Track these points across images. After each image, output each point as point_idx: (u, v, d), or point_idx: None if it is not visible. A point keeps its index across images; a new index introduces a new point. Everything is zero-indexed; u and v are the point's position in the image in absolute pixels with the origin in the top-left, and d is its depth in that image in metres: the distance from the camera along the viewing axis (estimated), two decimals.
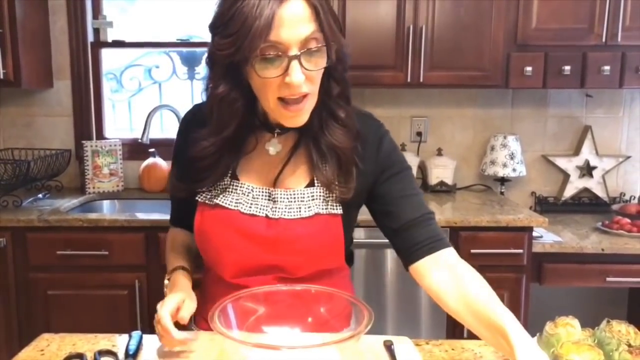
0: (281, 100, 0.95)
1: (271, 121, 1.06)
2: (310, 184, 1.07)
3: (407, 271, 1.07)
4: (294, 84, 0.91)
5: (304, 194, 1.06)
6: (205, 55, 1.00)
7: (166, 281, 1.14)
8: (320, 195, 1.06)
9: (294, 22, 0.89)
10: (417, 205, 1.07)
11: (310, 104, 0.98)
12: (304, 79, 0.92)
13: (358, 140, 1.06)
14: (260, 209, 1.06)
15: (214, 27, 0.95)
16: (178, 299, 1.04)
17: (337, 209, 1.06)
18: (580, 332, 0.96)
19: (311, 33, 0.91)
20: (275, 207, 1.06)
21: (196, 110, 1.15)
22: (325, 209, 1.06)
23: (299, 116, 0.97)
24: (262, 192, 1.07)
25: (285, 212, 1.05)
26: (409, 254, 1.05)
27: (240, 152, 1.08)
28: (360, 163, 1.06)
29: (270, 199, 1.07)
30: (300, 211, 1.05)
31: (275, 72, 0.91)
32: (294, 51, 0.90)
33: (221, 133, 1.02)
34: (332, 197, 1.06)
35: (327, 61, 0.95)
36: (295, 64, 0.90)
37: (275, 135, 1.08)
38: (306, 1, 0.90)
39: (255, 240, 1.06)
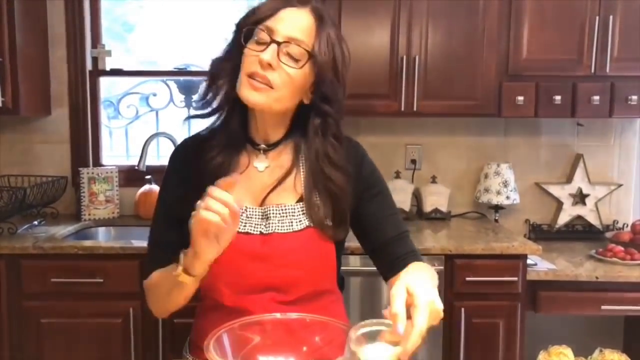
0: (248, 75, 1.04)
1: (256, 136, 1.14)
2: (300, 200, 1.12)
3: (386, 282, 1.15)
4: (264, 60, 1.02)
5: (294, 208, 1.11)
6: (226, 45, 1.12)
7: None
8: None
9: (290, 22, 1.04)
10: (396, 224, 1.17)
11: (268, 95, 1.04)
12: (270, 58, 1.02)
13: (350, 176, 1.12)
14: (254, 227, 1.09)
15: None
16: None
17: (327, 221, 1.11)
18: None
19: (301, 40, 1.04)
20: (269, 223, 1.09)
21: (183, 145, 1.19)
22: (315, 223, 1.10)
23: (256, 93, 1.04)
24: (255, 211, 1.11)
25: (278, 226, 1.09)
26: (389, 269, 1.13)
27: (237, 164, 1.12)
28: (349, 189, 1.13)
29: (264, 216, 1.10)
30: (292, 225, 1.09)
31: (257, 49, 1.04)
32: (277, 38, 1.03)
33: (218, 105, 1.11)
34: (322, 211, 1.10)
35: (314, 75, 1.06)
36: (272, 46, 1.03)
37: (262, 152, 1.13)
38: (313, 18, 1.06)
39: (251, 257, 1.07)
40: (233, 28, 1.11)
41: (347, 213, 1.13)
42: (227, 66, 1.10)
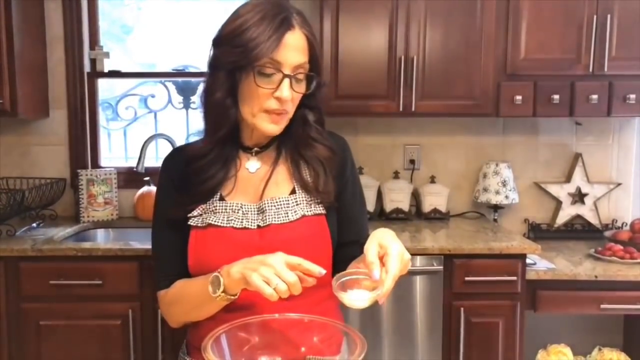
0: (265, 111, 1.06)
1: (248, 143, 1.16)
2: (293, 192, 1.15)
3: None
4: (283, 98, 1.04)
5: (288, 200, 1.14)
6: (210, 58, 1.09)
7: (217, 275, 1.00)
8: (303, 200, 1.14)
9: (294, 49, 1.04)
10: (365, 226, 1.23)
11: (286, 119, 1.10)
12: (290, 95, 1.05)
13: (334, 153, 1.17)
14: (251, 222, 1.11)
15: (223, 39, 1.06)
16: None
17: (320, 209, 1.14)
18: None
19: (303, 62, 1.06)
20: (265, 216, 1.11)
21: (175, 153, 1.21)
22: (310, 210, 1.13)
23: (277, 125, 1.08)
24: (251, 207, 1.13)
25: (274, 218, 1.11)
26: (341, 267, 1.11)
27: (227, 167, 1.14)
28: (333, 170, 1.17)
29: (259, 211, 1.12)
30: (288, 216, 1.12)
31: (269, 85, 1.04)
32: (287, 71, 1.04)
33: (215, 134, 1.10)
34: (315, 200, 1.14)
35: (307, 89, 1.09)
36: (286, 81, 1.04)
37: (254, 154, 1.16)
38: (305, 36, 1.06)
39: (250, 251, 1.07)
40: (214, 56, 1.08)
41: (330, 178, 1.15)
42: (224, 97, 1.08)
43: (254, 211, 1.12)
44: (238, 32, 1.03)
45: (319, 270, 0.94)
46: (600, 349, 0.96)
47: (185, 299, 1.10)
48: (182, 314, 1.13)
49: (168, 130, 2.80)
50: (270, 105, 1.05)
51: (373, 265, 0.91)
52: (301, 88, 1.08)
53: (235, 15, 1.06)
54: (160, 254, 1.17)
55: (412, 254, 2.20)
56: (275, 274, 0.91)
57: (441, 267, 2.17)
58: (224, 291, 0.98)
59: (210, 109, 1.10)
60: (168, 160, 1.20)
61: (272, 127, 1.08)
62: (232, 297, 0.99)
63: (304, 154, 1.15)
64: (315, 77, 1.09)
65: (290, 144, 1.16)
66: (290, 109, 1.08)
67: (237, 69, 1.05)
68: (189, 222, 1.11)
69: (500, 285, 2.18)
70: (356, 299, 0.92)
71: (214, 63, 1.08)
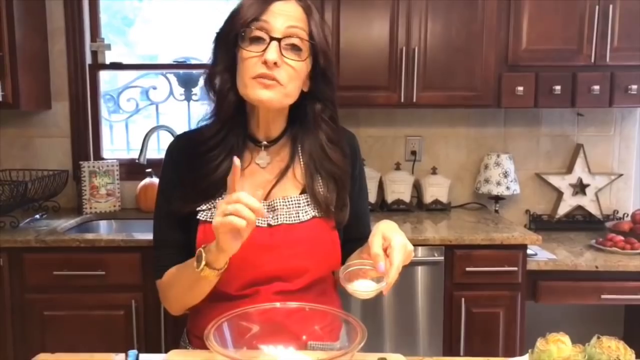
0: (255, 78, 1.04)
1: (257, 135, 1.14)
2: (303, 191, 1.14)
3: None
4: (267, 60, 1.01)
5: (299, 200, 1.13)
6: (213, 41, 1.11)
7: (200, 250, 1.01)
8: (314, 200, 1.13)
9: (284, 14, 1.04)
10: (369, 223, 1.24)
11: (279, 90, 1.04)
12: (276, 57, 1.02)
13: (348, 158, 1.16)
14: (261, 219, 1.08)
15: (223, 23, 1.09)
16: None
17: (331, 207, 1.13)
18: (571, 349, 0.97)
19: (296, 30, 1.04)
20: (276, 215, 1.11)
21: (180, 139, 1.19)
22: (320, 212, 1.13)
23: (268, 91, 1.04)
24: (261, 204, 1.10)
25: (285, 217, 1.11)
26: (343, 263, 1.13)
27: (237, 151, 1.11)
28: (347, 184, 1.16)
29: (270, 209, 1.12)
30: (298, 216, 1.11)
31: (257, 49, 1.03)
32: (276, 35, 1.03)
33: (218, 115, 1.10)
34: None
35: (311, 61, 1.08)
36: (274, 44, 1.02)
37: (263, 148, 1.14)
38: (301, 6, 1.06)
39: (260, 249, 1.08)
40: (215, 36, 1.11)
41: (347, 195, 1.15)
42: (222, 74, 1.09)
43: (265, 209, 1.11)
44: (233, 10, 1.07)
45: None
46: (599, 337, 0.97)
47: (178, 282, 1.10)
48: (178, 297, 1.12)
49: (170, 122, 2.80)
50: (257, 70, 1.02)
51: (378, 257, 0.93)
52: (297, 57, 1.05)
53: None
54: (160, 245, 1.17)
55: (413, 245, 2.22)
56: (238, 204, 0.90)
57: (442, 258, 2.18)
58: (207, 264, 0.98)
59: (210, 88, 1.11)
60: (173, 147, 1.18)
61: (263, 94, 1.03)
62: (218, 270, 0.99)
63: (319, 169, 1.13)
64: (316, 45, 1.06)
65: (304, 144, 1.14)
66: (283, 77, 1.03)
67: (232, 43, 1.05)
68: (197, 217, 1.10)
69: (501, 275, 2.18)
70: (361, 290, 0.95)
71: (215, 44, 1.10)
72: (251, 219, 0.91)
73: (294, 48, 1.04)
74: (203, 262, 0.99)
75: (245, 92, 1.05)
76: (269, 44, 1.02)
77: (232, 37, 1.06)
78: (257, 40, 1.03)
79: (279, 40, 1.02)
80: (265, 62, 1.01)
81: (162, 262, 1.15)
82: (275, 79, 1.03)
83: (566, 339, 0.99)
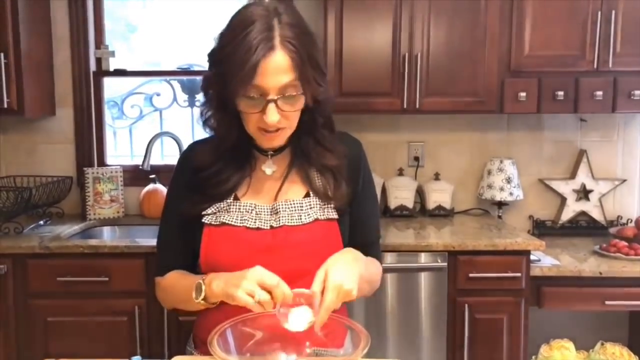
0: (260, 129, 1.07)
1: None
2: (307, 195, 1.16)
3: None
4: (269, 123, 1.03)
5: (302, 203, 1.15)
6: (202, 80, 1.12)
7: (200, 282, 1.06)
8: (317, 204, 1.15)
9: (274, 72, 1.00)
10: (377, 228, 1.27)
11: (285, 133, 1.10)
12: (278, 118, 1.03)
13: (345, 159, 1.18)
14: (264, 222, 1.12)
15: (210, 58, 1.09)
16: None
17: (333, 214, 1.16)
18: (575, 355, 0.97)
19: (290, 81, 1.02)
20: (278, 217, 1.13)
21: (191, 152, 1.21)
22: (323, 214, 1.15)
23: (274, 141, 1.11)
24: (265, 208, 1.14)
25: (288, 219, 1.12)
26: None
27: (242, 169, 1.16)
28: (346, 174, 1.18)
29: (273, 212, 1.14)
30: (301, 218, 1.13)
31: (255, 109, 1.04)
32: (272, 96, 1.02)
33: (223, 144, 1.13)
34: (328, 205, 1.16)
35: (304, 104, 1.07)
36: (272, 106, 1.02)
37: (269, 157, 1.16)
38: (287, 54, 1.01)
39: (262, 251, 1.10)
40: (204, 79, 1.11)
41: (343, 184, 1.16)
42: (216, 114, 1.11)
43: (268, 212, 1.14)
44: (220, 57, 1.04)
45: (289, 292, 0.97)
46: (603, 344, 0.97)
47: (175, 292, 1.15)
48: (173, 303, 1.20)
49: (173, 128, 2.81)
50: (260, 123, 1.05)
51: (314, 295, 0.97)
52: (295, 105, 1.05)
53: (224, 30, 1.05)
54: (164, 247, 1.22)
55: (416, 251, 2.21)
56: (257, 284, 0.95)
57: (445, 264, 2.17)
58: (204, 299, 1.03)
59: (207, 126, 1.14)
60: (183, 160, 1.22)
61: (271, 143, 1.11)
62: (211, 305, 1.04)
63: (313, 163, 1.16)
64: (308, 94, 1.05)
65: (300, 150, 1.17)
66: (287, 125, 1.07)
67: (224, 88, 1.04)
68: (202, 220, 1.13)
69: (504, 281, 2.18)
70: (293, 322, 0.96)
71: (205, 83, 1.11)
72: (266, 302, 0.95)
73: (290, 97, 1.04)
74: (202, 295, 1.03)
75: (253, 136, 1.10)
76: (266, 105, 1.02)
77: (224, 86, 1.04)
78: (253, 98, 1.03)
79: (275, 101, 1.02)
80: (270, 126, 1.04)
81: (164, 262, 1.21)
82: (279, 129, 1.07)
83: (570, 345, 0.99)
